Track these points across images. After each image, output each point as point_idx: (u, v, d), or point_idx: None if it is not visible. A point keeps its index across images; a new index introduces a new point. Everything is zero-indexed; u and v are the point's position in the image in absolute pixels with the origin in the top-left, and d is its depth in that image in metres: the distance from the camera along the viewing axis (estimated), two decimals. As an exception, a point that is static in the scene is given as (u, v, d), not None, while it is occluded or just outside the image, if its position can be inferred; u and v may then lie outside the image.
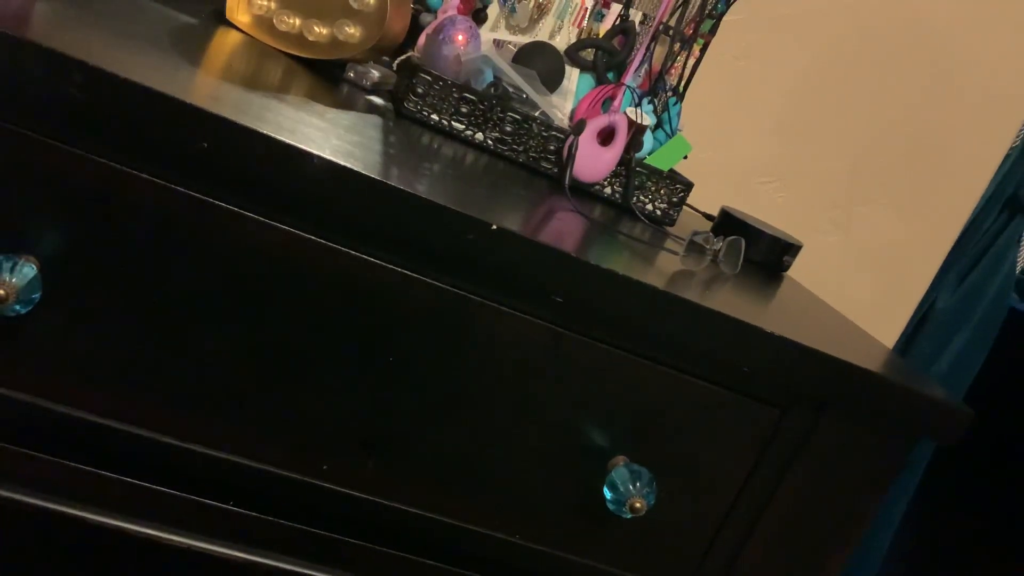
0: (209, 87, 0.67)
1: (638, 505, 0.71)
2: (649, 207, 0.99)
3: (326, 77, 0.91)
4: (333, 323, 0.67)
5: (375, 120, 0.82)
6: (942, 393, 0.79)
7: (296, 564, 0.73)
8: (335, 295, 0.67)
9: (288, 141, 0.60)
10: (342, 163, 0.61)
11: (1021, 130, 1.46)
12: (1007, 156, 1.48)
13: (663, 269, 0.78)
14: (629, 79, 0.99)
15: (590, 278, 0.68)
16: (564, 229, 0.77)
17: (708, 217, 1.17)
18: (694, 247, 0.83)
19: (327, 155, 0.61)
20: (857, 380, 0.75)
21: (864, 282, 1.49)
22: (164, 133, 0.59)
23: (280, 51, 0.90)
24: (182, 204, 0.62)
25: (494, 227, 0.65)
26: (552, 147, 0.95)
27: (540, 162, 0.95)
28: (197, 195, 0.62)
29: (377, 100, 0.93)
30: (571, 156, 0.92)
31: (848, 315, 1.13)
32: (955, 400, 0.78)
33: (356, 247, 0.66)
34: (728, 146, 1.37)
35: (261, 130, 0.59)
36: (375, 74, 0.96)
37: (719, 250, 0.86)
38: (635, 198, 0.98)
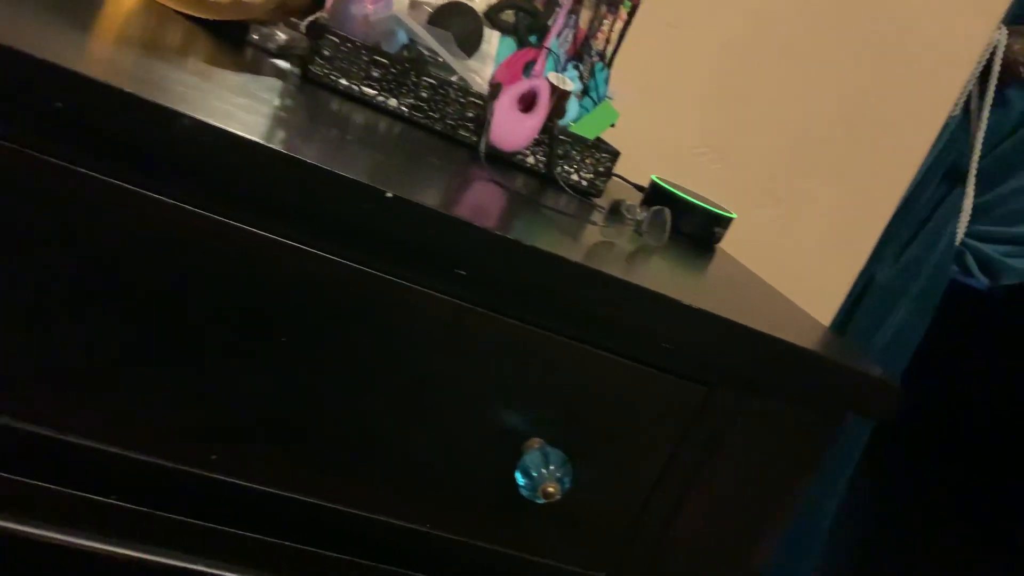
0: (76, 46, 0.60)
1: (551, 490, 0.67)
2: (574, 177, 0.95)
3: (229, 40, 0.85)
4: (216, 300, 0.62)
5: (272, 83, 0.77)
6: (873, 369, 0.75)
7: (185, 560, 0.67)
8: (217, 270, 0.61)
9: (154, 100, 0.54)
10: (215, 124, 0.55)
11: (959, 99, 1.44)
12: (946, 125, 1.46)
13: (582, 240, 0.74)
14: (552, 42, 0.94)
15: (495, 249, 0.63)
16: (475, 199, 0.72)
17: (639, 188, 1.13)
18: (614, 216, 0.79)
19: (199, 116, 0.55)
20: (785, 356, 0.71)
21: (802, 255, 1.46)
22: (10, 91, 0.53)
23: (180, 13, 0.84)
24: (37, 170, 0.56)
25: (389, 195, 0.60)
26: (471, 114, 0.90)
27: (458, 130, 0.90)
28: (52, 159, 0.56)
29: (284, 64, 0.87)
30: (487, 122, 0.87)
31: (786, 289, 1.09)
32: (886, 376, 0.75)
33: (238, 217, 0.60)
34: (663, 115, 1.33)
35: (122, 87, 0.53)
36: (281, 36, 0.90)
37: (643, 220, 0.82)
38: (559, 167, 0.93)
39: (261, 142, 0.57)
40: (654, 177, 1.05)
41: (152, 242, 0.59)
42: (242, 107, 0.63)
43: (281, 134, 0.61)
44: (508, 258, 0.63)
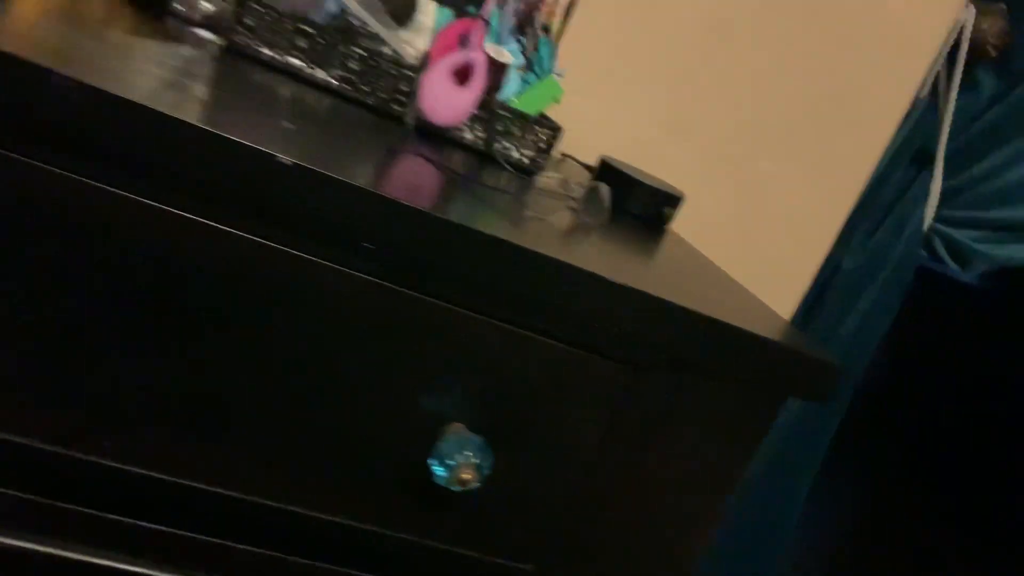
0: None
1: (466, 477, 0.63)
2: (515, 154, 0.91)
3: (149, 10, 0.81)
4: (108, 278, 0.58)
5: (188, 52, 0.73)
6: (810, 348, 0.72)
7: (84, 553, 0.64)
8: (104, 243, 0.57)
9: (32, 60, 0.50)
10: (93, 84, 0.52)
11: (927, 80, 1.41)
12: (913, 107, 1.42)
13: (507, 215, 0.70)
14: (491, 13, 0.91)
15: (403, 221, 0.59)
16: (394, 171, 0.68)
17: (589, 168, 1.09)
18: (550, 193, 0.75)
19: (72, 73, 0.51)
20: (716, 335, 0.68)
21: (765, 241, 1.43)
22: None
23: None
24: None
25: (288, 161, 0.56)
26: (404, 87, 0.86)
27: (390, 104, 0.86)
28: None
29: (207, 35, 0.83)
30: (416, 94, 0.83)
31: (750, 274, 1.06)
32: (822, 354, 0.71)
33: (124, 186, 0.56)
34: (618, 94, 1.30)
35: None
36: (207, 6, 0.86)
37: (580, 198, 0.78)
38: (498, 143, 0.90)
39: (143, 103, 0.53)
40: (604, 156, 1.01)
41: (35, 216, 0.55)
42: (137, 71, 0.59)
43: (169, 97, 0.58)
44: (419, 231, 0.60)
